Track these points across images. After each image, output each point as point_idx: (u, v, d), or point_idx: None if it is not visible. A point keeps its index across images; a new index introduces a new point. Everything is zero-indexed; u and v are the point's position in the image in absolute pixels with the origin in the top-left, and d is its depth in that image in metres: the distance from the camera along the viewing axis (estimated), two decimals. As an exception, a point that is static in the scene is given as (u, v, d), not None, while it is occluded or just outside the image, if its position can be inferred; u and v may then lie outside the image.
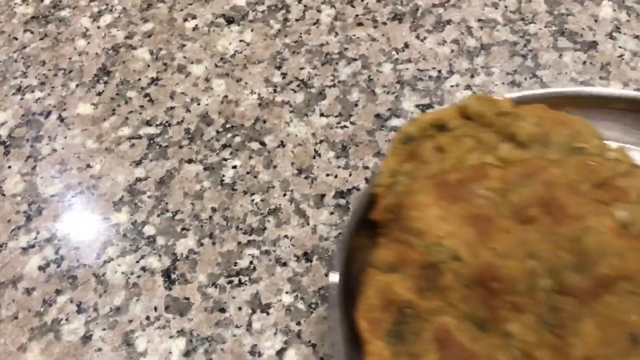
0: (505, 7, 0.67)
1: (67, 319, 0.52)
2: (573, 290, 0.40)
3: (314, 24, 0.67)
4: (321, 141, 0.59)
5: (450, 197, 0.43)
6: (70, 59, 0.66)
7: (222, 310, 0.51)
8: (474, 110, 0.48)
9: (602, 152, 0.48)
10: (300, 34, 0.67)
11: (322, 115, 0.61)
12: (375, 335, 0.41)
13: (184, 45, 0.66)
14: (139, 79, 0.65)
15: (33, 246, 0.54)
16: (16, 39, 0.69)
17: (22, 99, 0.63)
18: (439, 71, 0.63)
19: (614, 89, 0.56)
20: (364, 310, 0.42)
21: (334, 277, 0.46)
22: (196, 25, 0.68)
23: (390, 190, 0.46)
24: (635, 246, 0.40)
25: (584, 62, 0.62)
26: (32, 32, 0.69)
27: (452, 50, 0.64)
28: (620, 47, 0.62)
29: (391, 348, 0.41)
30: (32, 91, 0.64)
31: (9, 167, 0.59)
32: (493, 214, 0.42)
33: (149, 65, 0.65)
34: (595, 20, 0.64)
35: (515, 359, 0.40)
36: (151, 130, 0.62)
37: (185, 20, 0.69)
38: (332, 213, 0.55)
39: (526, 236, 0.41)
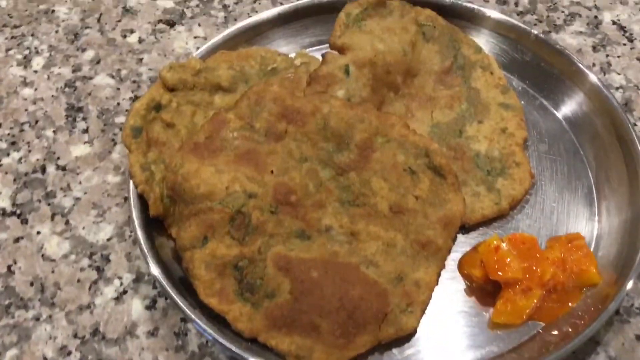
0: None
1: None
2: (348, 166, 0.45)
3: (255, 1, 0.64)
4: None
5: (210, 153, 0.44)
6: (26, 110, 0.56)
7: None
8: (173, 82, 0.49)
9: (290, 64, 0.53)
10: (248, 13, 0.63)
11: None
12: (228, 302, 0.40)
13: (142, 59, 0.59)
14: (118, 103, 0.56)
15: (125, 292, 0.46)
16: None
17: (0, 165, 0.53)
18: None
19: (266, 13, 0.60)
20: (204, 289, 0.41)
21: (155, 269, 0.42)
22: (139, 37, 0.61)
23: (150, 184, 0.45)
24: (367, 109, 0.46)
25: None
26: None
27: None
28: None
29: (248, 302, 0.41)
30: (7, 154, 0.53)
31: (38, 232, 0.49)
32: (253, 146, 0.44)
33: (118, 88, 0.57)
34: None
35: (345, 242, 0.43)
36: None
37: (124, 36, 0.61)
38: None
39: (288, 148, 0.45)
